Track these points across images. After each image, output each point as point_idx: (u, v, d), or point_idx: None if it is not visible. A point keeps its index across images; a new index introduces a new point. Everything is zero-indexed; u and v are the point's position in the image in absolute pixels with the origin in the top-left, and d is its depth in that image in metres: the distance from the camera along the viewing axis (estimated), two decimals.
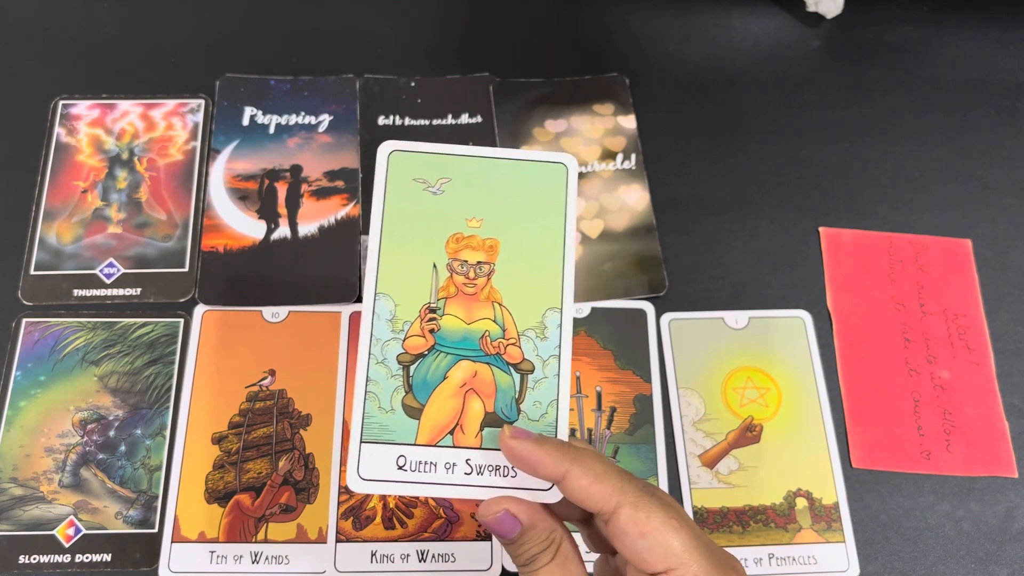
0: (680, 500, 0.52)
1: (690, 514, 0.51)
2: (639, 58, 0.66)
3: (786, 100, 0.65)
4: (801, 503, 0.52)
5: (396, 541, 0.50)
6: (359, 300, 0.56)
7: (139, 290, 0.56)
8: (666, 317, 0.56)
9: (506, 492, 0.37)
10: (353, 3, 0.68)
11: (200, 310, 0.55)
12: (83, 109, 0.62)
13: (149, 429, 0.52)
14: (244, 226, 0.58)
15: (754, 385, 0.55)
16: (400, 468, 0.38)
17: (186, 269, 0.57)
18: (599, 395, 0.54)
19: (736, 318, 0.57)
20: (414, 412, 0.38)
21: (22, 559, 0.49)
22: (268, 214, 0.59)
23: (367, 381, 0.38)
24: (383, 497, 0.51)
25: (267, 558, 0.49)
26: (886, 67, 0.67)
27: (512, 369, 0.39)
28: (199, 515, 0.50)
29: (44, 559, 0.49)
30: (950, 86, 0.66)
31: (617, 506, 0.34)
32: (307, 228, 0.58)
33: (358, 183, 0.60)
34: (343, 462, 0.51)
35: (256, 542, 0.50)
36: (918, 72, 0.67)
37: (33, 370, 0.54)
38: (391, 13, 0.68)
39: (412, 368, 0.39)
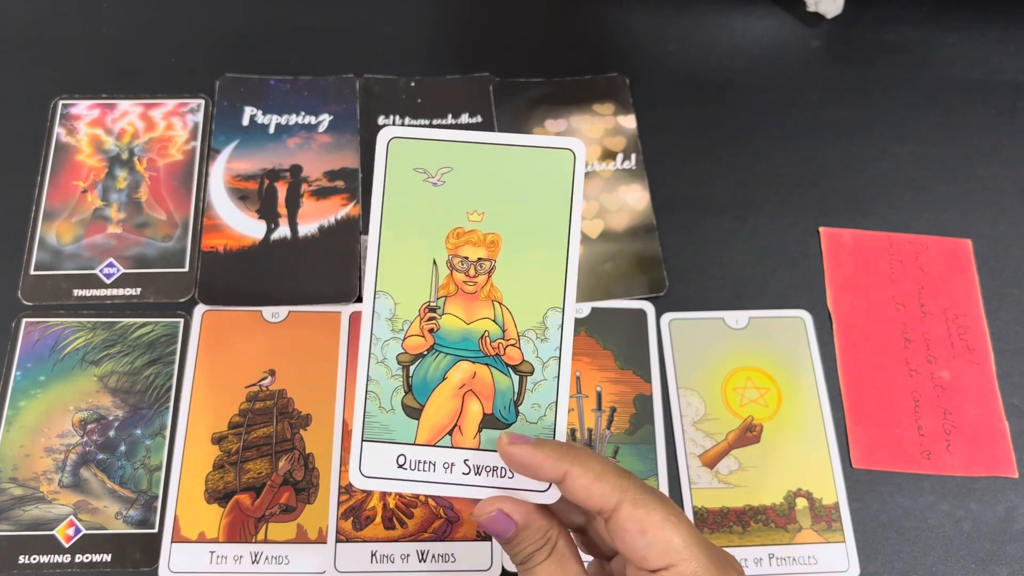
0: (680, 500, 0.52)
1: (690, 514, 0.51)
2: (639, 58, 0.66)
3: (786, 100, 0.65)
4: (801, 503, 0.52)
5: (396, 541, 0.50)
6: (359, 300, 0.56)
7: (139, 290, 0.56)
8: (666, 317, 0.56)
9: (503, 492, 0.37)
10: (353, 3, 0.68)
11: (200, 310, 0.55)
12: (83, 109, 0.62)
13: (149, 429, 0.52)
14: (244, 226, 0.58)
15: (754, 385, 0.55)
16: (400, 467, 0.38)
17: (186, 269, 0.57)
18: (599, 395, 0.54)
19: (736, 318, 0.57)
20: (414, 412, 0.38)
21: (22, 559, 0.49)
22: (268, 214, 0.59)
23: (368, 380, 0.38)
24: (383, 497, 0.51)
25: (267, 558, 0.49)
26: (886, 67, 0.67)
27: (511, 371, 0.39)
28: (199, 515, 0.50)
29: (44, 559, 0.49)
30: (950, 86, 0.66)
31: (618, 503, 0.34)
32: (307, 228, 0.58)
33: (358, 183, 0.60)
34: (343, 462, 0.51)
35: (256, 542, 0.50)
36: (918, 72, 0.67)
37: (33, 370, 0.54)
38: (391, 13, 0.68)
39: (412, 368, 0.38)
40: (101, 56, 0.65)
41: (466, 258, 0.39)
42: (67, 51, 0.65)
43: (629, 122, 0.63)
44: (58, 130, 0.61)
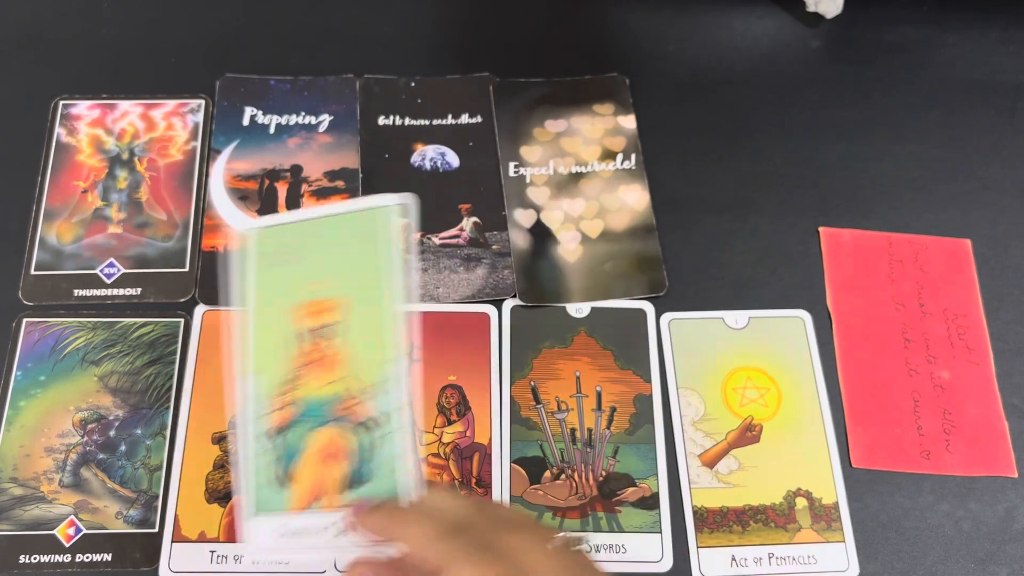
0: (680, 500, 0.52)
1: (690, 514, 0.51)
2: (639, 58, 0.66)
3: (786, 100, 0.65)
4: (801, 503, 0.52)
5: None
6: None
7: (139, 290, 0.56)
8: (666, 317, 0.56)
9: (375, 548, 0.39)
10: (353, 3, 0.68)
11: (200, 310, 0.55)
12: (83, 109, 0.62)
13: (149, 429, 0.52)
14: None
15: (754, 385, 0.55)
16: (282, 536, 0.40)
17: (186, 269, 0.57)
18: (599, 395, 0.54)
19: (736, 318, 0.57)
20: (286, 482, 0.40)
21: (23, 559, 0.49)
22: (268, 214, 0.59)
23: (247, 459, 0.41)
24: None
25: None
26: (886, 67, 0.67)
27: (361, 428, 0.40)
28: (199, 515, 0.50)
29: (44, 559, 0.49)
30: (950, 86, 0.66)
31: (438, 571, 0.35)
32: None
33: (358, 183, 0.60)
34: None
35: None
36: (918, 72, 0.67)
37: (33, 370, 0.54)
38: (391, 13, 0.68)
39: (280, 440, 0.41)
40: (101, 56, 0.65)
41: (312, 328, 0.41)
42: (67, 51, 0.65)
43: (629, 122, 0.63)
44: (58, 130, 0.61)
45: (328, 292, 0.41)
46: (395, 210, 0.42)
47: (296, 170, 0.60)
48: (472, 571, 0.35)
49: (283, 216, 0.42)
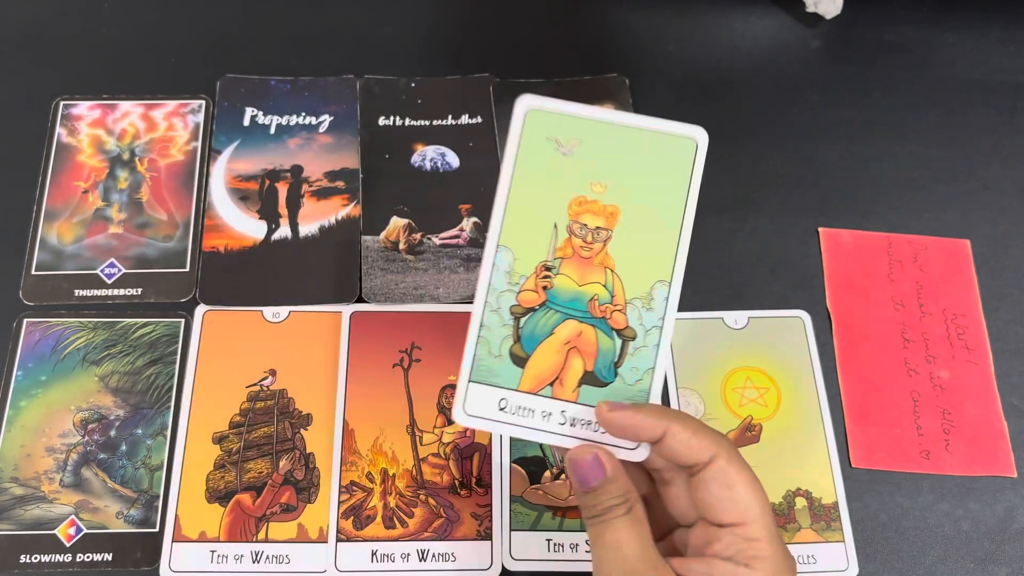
0: None
1: None
2: (639, 58, 0.66)
3: (786, 100, 0.65)
4: (800, 503, 0.52)
5: (396, 541, 0.50)
6: (360, 300, 0.56)
7: (140, 290, 0.56)
8: None
9: (596, 445, 0.40)
10: (353, 3, 0.68)
11: (201, 310, 0.55)
12: (84, 109, 0.62)
13: (150, 429, 0.52)
14: (245, 226, 0.58)
15: (753, 385, 0.55)
16: (501, 410, 0.40)
17: (187, 269, 0.57)
18: None
19: (736, 318, 0.57)
20: (520, 361, 0.41)
21: (23, 558, 0.49)
22: (269, 214, 0.59)
23: (480, 327, 0.41)
24: (383, 497, 0.51)
25: (268, 557, 0.49)
26: (886, 67, 0.67)
27: (615, 334, 0.41)
28: (200, 515, 0.50)
29: (45, 558, 0.49)
30: (950, 86, 0.66)
31: (714, 456, 0.37)
32: (308, 228, 0.58)
33: (359, 183, 0.60)
34: (343, 462, 0.52)
35: (257, 542, 0.50)
36: (918, 72, 0.67)
37: (34, 370, 0.54)
38: (391, 13, 0.68)
39: (523, 320, 0.41)
40: (102, 56, 0.65)
41: (585, 225, 0.41)
42: (68, 51, 0.65)
43: None
44: (59, 130, 0.61)
45: (610, 198, 0.41)
46: (695, 142, 0.42)
47: (296, 170, 0.60)
48: (747, 468, 0.37)
49: (579, 108, 0.41)
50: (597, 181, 0.41)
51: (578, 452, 0.39)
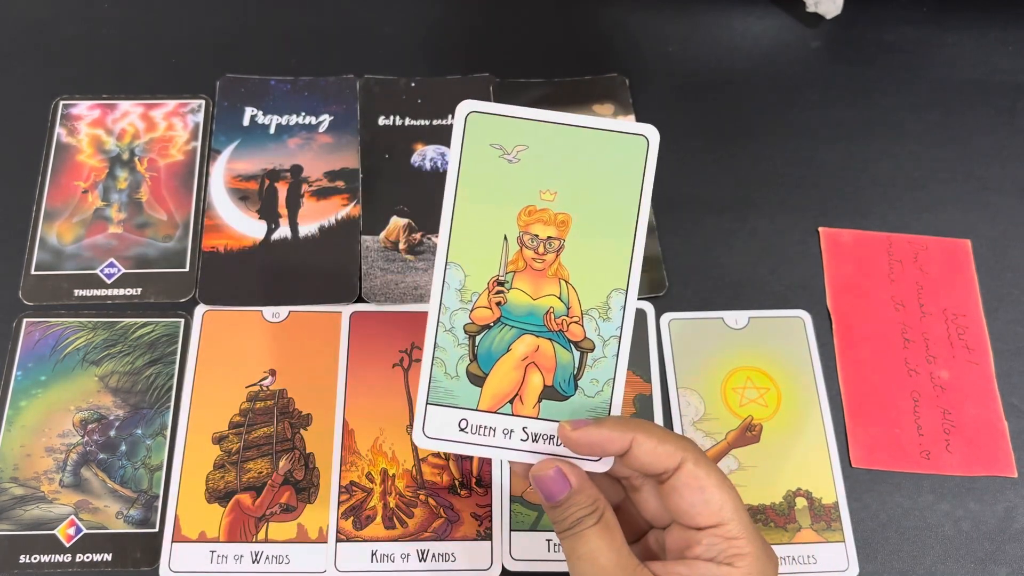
0: None
1: None
2: (639, 58, 0.66)
3: (786, 100, 0.65)
4: (801, 503, 0.52)
5: (396, 541, 0.50)
6: (359, 300, 0.56)
7: (140, 290, 0.56)
8: (666, 317, 0.57)
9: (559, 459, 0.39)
10: (353, 3, 0.68)
11: (201, 310, 0.55)
12: (84, 109, 0.62)
13: (150, 429, 0.52)
14: (245, 226, 0.58)
15: (754, 385, 0.55)
16: (462, 430, 0.40)
17: (187, 269, 0.57)
18: None
19: (736, 318, 0.57)
20: (477, 380, 0.40)
21: (23, 559, 0.49)
22: (269, 214, 0.59)
23: (435, 347, 0.40)
24: (383, 497, 0.51)
25: (267, 558, 0.49)
26: (886, 67, 0.67)
27: (573, 347, 0.40)
28: (199, 515, 0.50)
29: (45, 559, 0.49)
30: (950, 86, 0.66)
31: (681, 462, 0.37)
32: (308, 228, 0.58)
33: (358, 183, 0.60)
34: (343, 462, 0.52)
35: (256, 542, 0.50)
36: (918, 72, 0.67)
37: (34, 370, 0.54)
38: (391, 13, 0.68)
39: (478, 338, 0.40)
40: (101, 56, 0.65)
41: (536, 236, 0.40)
42: (67, 51, 0.65)
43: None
44: (59, 130, 0.61)
45: (561, 205, 0.40)
46: (646, 140, 0.40)
47: (296, 170, 0.60)
48: (715, 469, 0.37)
49: (520, 110, 0.40)
50: (546, 188, 0.40)
51: (541, 467, 0.39)
